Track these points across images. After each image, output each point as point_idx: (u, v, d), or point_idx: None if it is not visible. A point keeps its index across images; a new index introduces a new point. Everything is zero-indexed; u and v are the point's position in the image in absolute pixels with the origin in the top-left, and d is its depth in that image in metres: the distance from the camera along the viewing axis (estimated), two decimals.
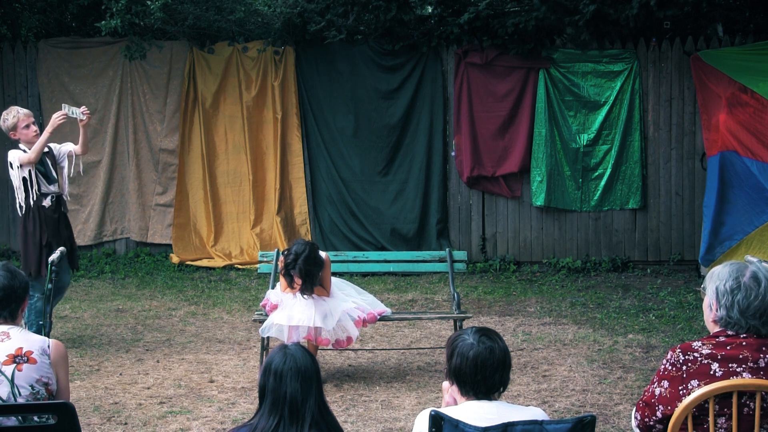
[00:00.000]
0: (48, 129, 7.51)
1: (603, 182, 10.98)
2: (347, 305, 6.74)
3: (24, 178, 7.46)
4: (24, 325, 5.19)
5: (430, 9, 11.32)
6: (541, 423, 3.16)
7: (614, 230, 11.13)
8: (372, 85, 11.24)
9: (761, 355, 3.38)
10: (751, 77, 9.78)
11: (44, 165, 7.56)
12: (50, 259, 5.62)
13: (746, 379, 3.33)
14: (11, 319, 3.96)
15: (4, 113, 7.63)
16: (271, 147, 11.36)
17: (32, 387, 3.81)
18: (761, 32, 11.04)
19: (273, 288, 7.03)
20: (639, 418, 3.51)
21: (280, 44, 11.20)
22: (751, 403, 3.34)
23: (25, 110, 7.64)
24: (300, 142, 11.36)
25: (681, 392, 3.37)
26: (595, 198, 11.03)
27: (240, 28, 11.17)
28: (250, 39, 11.33)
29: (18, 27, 11.99)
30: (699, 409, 3.35)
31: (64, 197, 7.77)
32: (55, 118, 7.51)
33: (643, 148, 10.99)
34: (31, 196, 7.46)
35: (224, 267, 11.07)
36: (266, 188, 11.39)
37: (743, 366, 3.36)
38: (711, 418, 3.33)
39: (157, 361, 7.38)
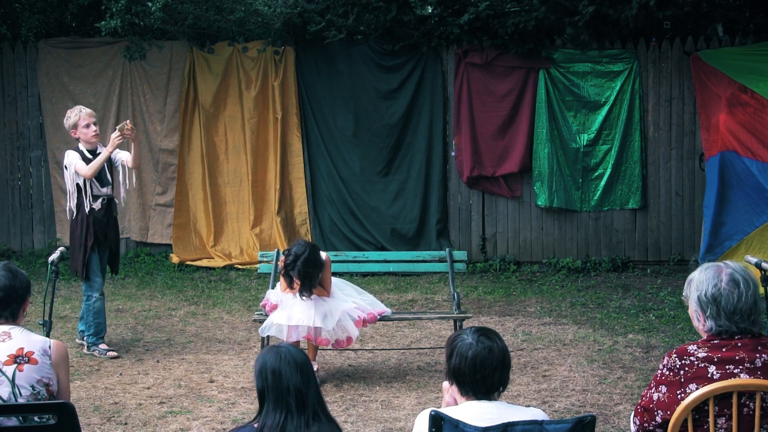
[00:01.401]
0: (108, 149, 7.41)
1: (603, 182, 10.97)
2: (347, 305, 6.74)
3: (77, 184, 7.42)
4: (39, 323, 5.19)
5: (430, 9, 11.32)
6: (541, 423, 3.16)
7: (614, 230, 11.13)
8: (372, 85, 11.24)
9: (757, 355, 3.37)
10: (751, 77, 9.78)
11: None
12: (50, 259, 5.60)
13: (746, 379, 3.32)
14: (12, 319, 3.96)
15: (68, 111, 7.58)
16: (271, 147, 11.36)
17: (33, 387, 3.81)
18: (761, 32, 11.04)
19: (273, 288, 7.03)
20: (638, 423, 3.50)
21: (280, 44, 11.20)
22: (751, 404, 3.34)
23: (88, 110, 7.59)
24: (300, 142, 11.36)
25: (680, 396, 3.37)
26: (595, 198, 11.03)
27: (240, 28, 11.16)
28: (250, 39, 11.33)
29: (18, 27, 11.99)
30: (698, 411, 3.35)
31: (116, 201, 7.72)
32: (114, 138, 7.38)
33: (643, 148, 10.99)
34: (85, 202, 7.41)
35: (224, 267, 11.06)
36: (266, 188, 11.39)
37: (740, 367, 3.36)
38: (711, 419, 3.32)
39: (157, 361, 7.38)
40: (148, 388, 6.67)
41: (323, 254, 6.69)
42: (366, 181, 11.32)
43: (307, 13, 10.82)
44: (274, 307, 6.71)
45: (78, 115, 7.45)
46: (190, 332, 8.35)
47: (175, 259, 11.14)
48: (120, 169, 7.67)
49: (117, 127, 7.45)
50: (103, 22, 10.04)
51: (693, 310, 3.48)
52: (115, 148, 7.44)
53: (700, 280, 3.45)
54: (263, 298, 7.00)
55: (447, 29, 10.93)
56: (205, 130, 11.34)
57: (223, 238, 11.38)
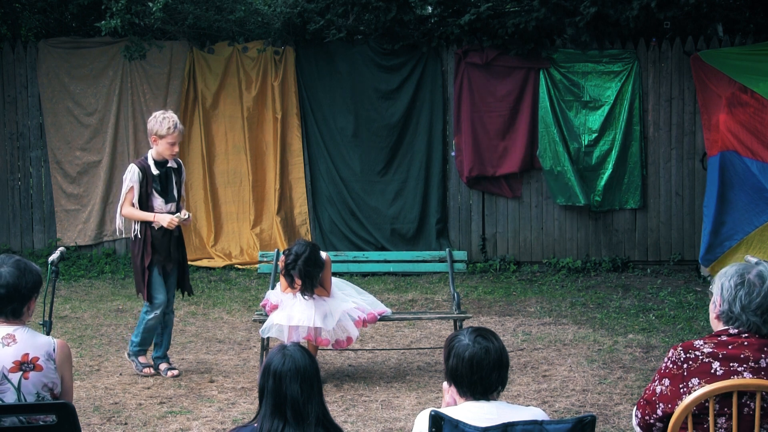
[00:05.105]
0: (152, 215, 6.81)
1: (603, 182, 10.97)
2: (347, 305, 6.74)
3: (132, 203, 6.86)
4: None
5: (430, 9, 11.32)
6: (541, 423, 3.16)
7: (614, 230, 11.13)
8: (372, 85, 11.24)
9: (762, 355, 3.38)
10: (751, 77, 9.79)
11: (161, 183, 6.88)
12: (50, 259, 5.59)
13: (746, 379, 3.33)
14: (14, 317, 3.83)
15: (161, 113, 6.87)
16: (271, 147, 11.36)
17: (38, 394, 3.74)
18: (761, 32, 11.05)
19: (273, 288, 7.03)
20: (639, 416, 3.52)
21: (280, 44, 11.20)
22: (751, 403, 3.34)
23: (182, 127, 6.92)
24: (300, 142, 11.36)
25: (682, 390, 3.38)
26: (596, 198, 11.02)
27: (240, 28, 11.16)
28: (250, 39, 11.33)
29: (18, 27, 11.98)
30: (699, 409, 3.36)
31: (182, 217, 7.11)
32: (165, 220, 6.79)
33: (643, 148, 10.99)
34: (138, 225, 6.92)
35: (224, 267, 11.07)
36: (266, 188, 11.39)
37: (744, 366, 3.37)
38: (711, 418, 3.33)
39: None
40: (148, 388, 6.67)
41: (323, 254, 6.70)
42: (366, 181, 11.32)
43: (307, 13, 10.82)
44: (274, 308, 6.71)
45: (169, 130, 6.77)
46: (190, 332, 8.35)
47: None
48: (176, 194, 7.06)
49: (180, 214, 6.88)
50: (103, 22, 10.04)
51: (714, 298, 3.54)
52: (158, 221, 6.82)
53: (730, 270, 3.54)
54: (263, 298, 7.00)
55: (447, 29, 10.93)
56: (205, 130, 11.34)
57: (223, 238, 11.38)
